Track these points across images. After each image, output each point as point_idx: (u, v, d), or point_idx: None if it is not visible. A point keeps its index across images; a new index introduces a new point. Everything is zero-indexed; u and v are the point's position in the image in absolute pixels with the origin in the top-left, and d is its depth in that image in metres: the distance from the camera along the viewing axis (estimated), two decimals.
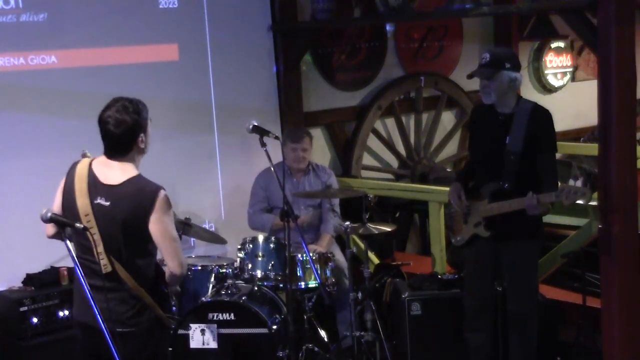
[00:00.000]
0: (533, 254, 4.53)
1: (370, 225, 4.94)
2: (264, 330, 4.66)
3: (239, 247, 5.06)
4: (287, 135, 5.67)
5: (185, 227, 5.17)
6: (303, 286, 5.01)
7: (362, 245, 5.26)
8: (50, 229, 3.43)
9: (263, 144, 4.36)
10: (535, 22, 7.79)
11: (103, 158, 3.49)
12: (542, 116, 4.38)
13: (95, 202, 3.40)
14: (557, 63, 8.40)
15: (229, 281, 4.95)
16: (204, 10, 5.84)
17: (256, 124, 4.39)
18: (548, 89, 8.38)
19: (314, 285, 4.99)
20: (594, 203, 4.75)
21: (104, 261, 3.36)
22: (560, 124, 5.44)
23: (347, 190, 5.71)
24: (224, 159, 6.01)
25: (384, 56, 7.09)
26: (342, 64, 6.82)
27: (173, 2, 5.68)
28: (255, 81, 6.19)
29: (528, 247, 4.45)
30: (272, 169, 4.39)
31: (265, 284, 4.95)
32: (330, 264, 5.10)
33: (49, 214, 3.05)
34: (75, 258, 3.00)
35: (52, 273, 4.91)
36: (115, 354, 2.85)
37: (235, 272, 5.02)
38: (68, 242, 3.03)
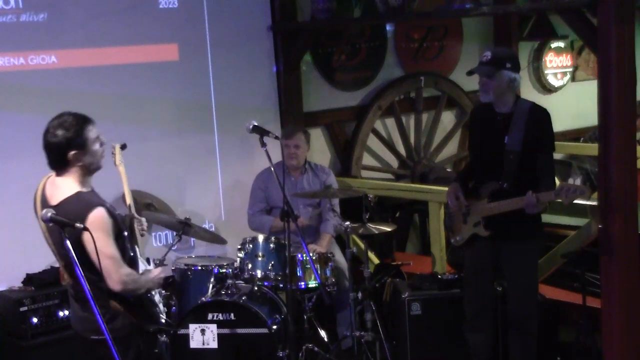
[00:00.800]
0: (533, 253, 4.53)
1: (370, 225, 4.94)
2: (264, 330, 4.66)
3: (239, 247, 5.06)
4: (282, 133, 5.66)
5: (185, 227, 5.17)
6: (303, 286, 5.01)
7: (362, 245, 5.27)
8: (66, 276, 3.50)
9: (263, 144, 4.36)
10: (535, 22, 7.79)
11: (54, 178, 3.50)
12: (541, 116, 4.38)
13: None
14: (557, 63, 8.40)
15: (229, 281, 4.95)
16: (204, 10, 5.84)
17: (256, 124, 4.39)
18: (548, 89, 8.38)
19: (314, 285, 4.99)
20: (593, 203, 4.76)
21: (65, 275, 3.49)
22: (560, 124, 5.46)
23: (347, 190, 5.71)
24: (224, 159, 6.01)
25: (383, 56, 7.09)
26: (342, 64, 6.82)
27: (173, 2, 5.68)
28: (255, 81, 6.18)
29: (528, 247, 4.45)
30: (272, 168, 4.39)
31: (265, 284, 4.95)
32: (330, 264, 5.10)
33: (49, 214, 3.05)
34: (75, 258, 3.00)
35: (52, 273, 4.91)
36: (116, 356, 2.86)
37: (235, 272, 5.02)
38: (68, 242, 3.03)
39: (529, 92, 7.91)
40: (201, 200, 5.91)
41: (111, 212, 3.44)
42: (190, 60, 5.81)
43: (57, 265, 4.93)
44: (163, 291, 4.36)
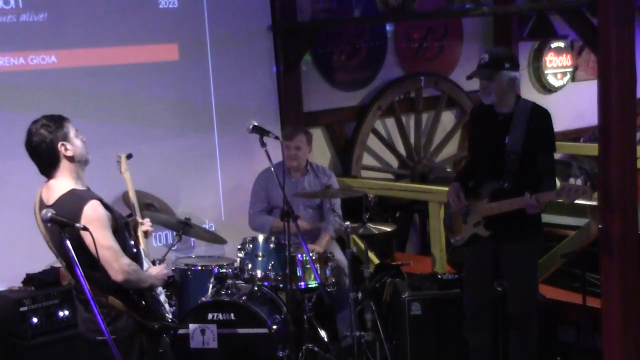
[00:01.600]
0: (533, 253, 4.53)
1: (370, 225, 4.94)
2: (264, 330, 4.67)
3: (239, 247, 5.06)
4: (283, 134, 5.65)
5: (185, 227, 5.17)
6: (303, 286, 5.00)
7: (362, 245, 5.26)
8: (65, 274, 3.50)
9: (263, 144, 4.36)
10: (535, 22, 7.79)
11: (49, 182, 3.51)
12: (541, 116, 4.38)
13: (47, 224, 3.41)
14: (557, 63, 8.40)
15: (229, 281, 4.95)
16: (204, 10, 5.83)
17: (256, 124, 4.39)
18: (548, 89, 8.38)
19: (314, 285, 4.99)
20: (593, 203, 4.76)
21: (67, 276, 3.50)
22: (560, 124, 5.46)
23: (347, 190, 5.71)
24: (224, 159, 6.01)
25: (383, 56, 7.09)
26: (342, 64, 6.82)
27: (173, 2, 5.68)
28: (255, 81, 6.18)
29: (528, 246, 4.45)
30: (272, 168, 4.39)
31: (265, 284, 4.95)
32: (330, 264, 5.10)
33: (49, 214, 3.05)
34: (75, 258, 3.01)
35: (52, 273, 4.91)
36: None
37: (235, 272, 5.02)
38: (68, 242, 3.03)
39: (529, 92, 7.91)
40: (201, 200, 5.91)
41: (106, 205, 3.46)
42: (190, 60, 5.80)
43: (57, 265, 4.95)
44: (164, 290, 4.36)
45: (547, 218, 4.73)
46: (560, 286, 5.41)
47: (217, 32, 5.89)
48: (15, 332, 4.70)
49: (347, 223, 4.86)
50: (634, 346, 4.57)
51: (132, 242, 3.63)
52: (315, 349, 4.94)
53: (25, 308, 4.69)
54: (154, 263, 3.99)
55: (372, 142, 7.00)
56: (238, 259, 5.04)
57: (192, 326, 4.68)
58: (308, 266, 4.96)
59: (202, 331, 4.68)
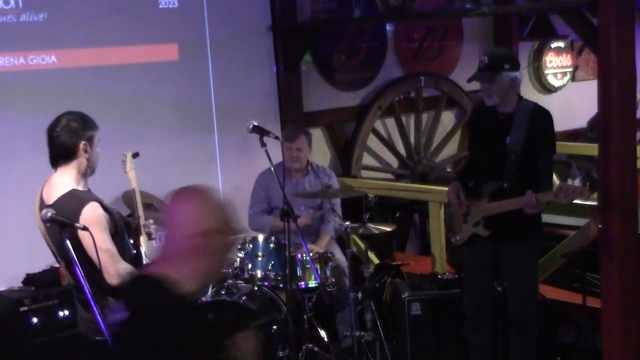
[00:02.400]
0: (533, 253, 4.53)
1: (370, 225, 4.94)
2: (264, 330, 4.66)
3: (239, 247, 5.06)
4: (284, 135, 5.65)
5: None
6: (303, 286, 5.00)
7: (362, 245, 5.26)
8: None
9: (263, 144, 4.37)
10: (535, 22, 7.80)
11: (50, 180, 3.53)
12: (543, 116, 4.38)
13: (46, 223, 3.41)
14: (557, 63, 8.40)
15: (229, 281, 4.95)
16: (204, 10, 5.83)
17: (256, 124, 4.40)
18: (548, 89, 8.38)
19: (314, 285, 4.99)
20: (593, 203, 4.76)
21: (67, 276, 3.52)
22: (560, 124, 5.44)
23: (347, 190, 5.70)
24: (224, 159, 6.01)
25: (384, 56, 7.09)
26: (342, 64, 6.82)
27: (173, 2, 5.68)
28: (255, 81, 6.18)
29: (528, 246, 4.45)
30: (272, 169, 4.39)
31: (265, 284, 4.95)
32: (330, 264, 5.10)
33: (49, 214, 3.05)
34: (75, 258, 3.01)
35: (52, 273, 4.90)
36: None
37: (235, 272, 5.02)
38: (68, 242, 3.04)
39: (529, 92, 7.91)
40: None
41: (106, 208, 3.46)
42: (190, 60, 5.80)
43: (57, 265, 4.95)
44: None
45: (547, 218, 4.73)
46: (560, 286, 5.41)
47: (217, 32, 5.89)
48: (15, 332, 4.70)
49: (347, 223, 4.86)
50: (634, 346, 4.57)
51: (132, 243, 3.63)
52: (315, 349, 4.94)
53: (25, 308, 4.69)
54: None
55: (372, 142, 7.00)
56: (238, 259, 5.04)
57: None
58: (308, 266, 4.96)
59: None
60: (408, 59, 7.29)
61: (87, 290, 3.00)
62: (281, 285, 4.95)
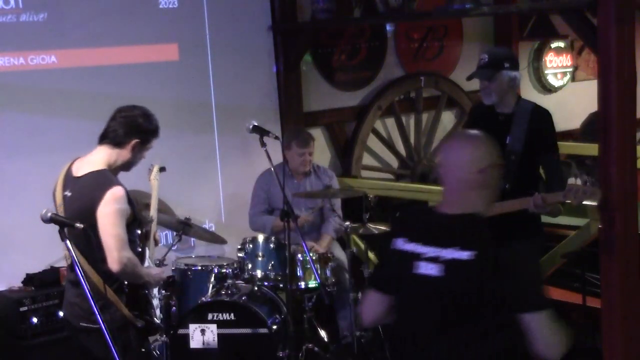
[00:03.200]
0: (533, 253, 4.52)
1: (370, 225, 4.94)
2: (264, 330, 4.67)
3: (239, 247, 5.06)
4: (291, 139, 5.60)
5: (185, 227, 5.17)
6: (303, 286, 5.01)
7: (362, 245, 5.27)
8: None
9: (263, 144, 4.37)
10: (535, 22, 7.79)
11: (88, 155, 3.58)
12: (543, 116, 4.37)
13: (64, 193, 3.51)
14: (557, 63, 8.40)
15: (229, 281, 4.96)
16: (204, 10, 5.83)
17: (256, 124, 4.40)
18: (548, 89, 8.37)
19: (314, 285, 4.99)
20: (593, 203, 4.75)
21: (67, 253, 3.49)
22: (560, 124, 5.43)
23: (347, 190, 5.71)
24: (224, 159, 6.01)
25: (384, 56, 7.09)
26: (342, 64, 6.82)
27: (173, 2, 5.68)
28: (255, 81, 6.18)
29: (528, 246, 4.44)
30: (273, 169, 4.40)
31: (265, 284, 4.95)
32: (330, 264, 5.10)
33: (49, 214, 3.06)
34: (75, 258, 3.01)
35: (52, 273, 4.91)
36: (113, 350, 2.85)
37: (235, 272, 5.02)
38: (68, 242, 3.04)
39: (529, 92, 7.91)
40: (201, 200, 5.91)
41: (130, 198, 3.50)
42: (190, 60, 5.80)
43: (57, 265, 4.97)
44: (163, 291, 4.37)
45: (547, 218, 4.72)
46: (560, 286, 5.41)
47: (217, 32, 5.90)
48: (15, 332, 4.70)
49: (347, 223, 4.87)
50: (634, 346, 4.56)
51: (140, 242, 3.64)
52: (315, 349, 4.95)
53: (25, 308, 4.69)
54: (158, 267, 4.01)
55: (372, 142, 7.00)
56: (238, 259, 5.04)
57: (192, 326, 4.68)
58: (308, 266, 4.97)
59: (202, 331, 4.68)
60: (408, 59, 7.29)
61: (85, 286, 2.96)
62: (281, 285, 4.95)
